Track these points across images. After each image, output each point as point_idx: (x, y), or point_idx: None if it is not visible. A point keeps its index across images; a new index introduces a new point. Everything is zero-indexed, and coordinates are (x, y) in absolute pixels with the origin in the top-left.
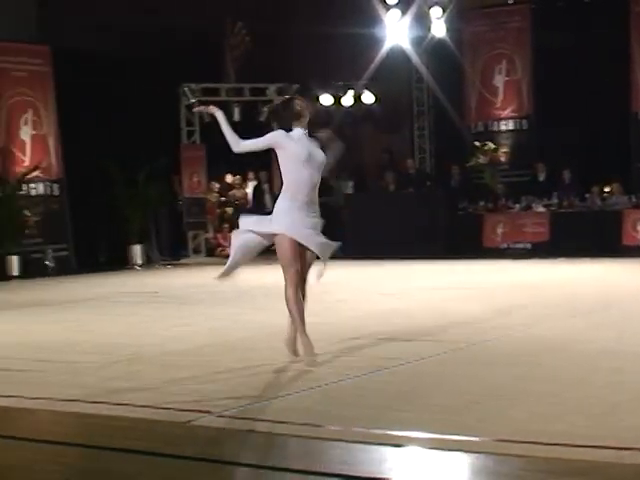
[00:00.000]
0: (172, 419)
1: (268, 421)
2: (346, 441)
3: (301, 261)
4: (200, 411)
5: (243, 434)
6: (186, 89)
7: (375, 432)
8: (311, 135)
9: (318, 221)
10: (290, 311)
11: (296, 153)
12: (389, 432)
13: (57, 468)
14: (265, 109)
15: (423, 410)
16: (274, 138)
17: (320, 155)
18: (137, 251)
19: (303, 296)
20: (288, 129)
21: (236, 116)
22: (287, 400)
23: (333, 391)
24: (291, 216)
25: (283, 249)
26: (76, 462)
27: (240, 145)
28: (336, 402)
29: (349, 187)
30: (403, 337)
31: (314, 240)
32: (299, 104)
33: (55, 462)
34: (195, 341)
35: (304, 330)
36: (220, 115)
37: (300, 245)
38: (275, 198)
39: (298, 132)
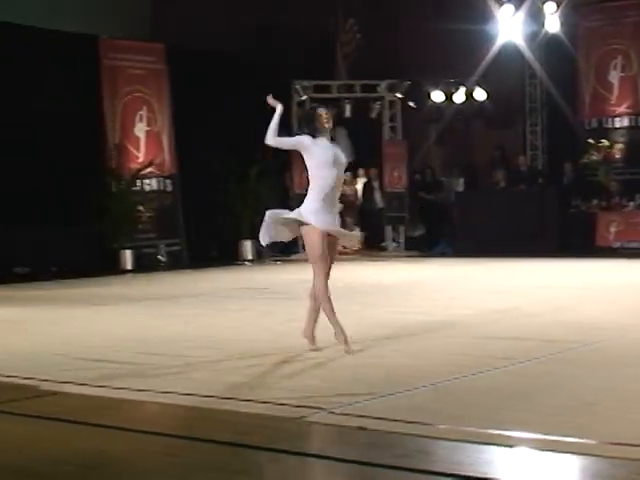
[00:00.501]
0: (285, 415)
1: (379, 418)
2: (456, 440)
3: (330, 254)
4: (312, 407)
5: (355, 431)
6: (297, 86)
7: (486, 432)
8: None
9: (337, 217)
10: (322, 303)
11: (322, 157)
12: (500, 432)
13: (170, 460)
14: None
15: (535, 411)
16: (300, 142)
17: (343, 157)
18: (248, 247)
19: None
20: (314, 135)
21: (347, 112)
22: (398, 398)
23: (444, 389)
24: (319, 213)
25: (312, 241)
26: (189, 455)
27: (272, 138)
28: (447, 401)
29: (460, 184)
30: (514, 336)
31: (341, 231)
32: (323, 116)
33: (168, 454)
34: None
35: (336, 320)
36: (279, 109)
37: (328, 237)
38: (384, 195)
39: (322, 139)
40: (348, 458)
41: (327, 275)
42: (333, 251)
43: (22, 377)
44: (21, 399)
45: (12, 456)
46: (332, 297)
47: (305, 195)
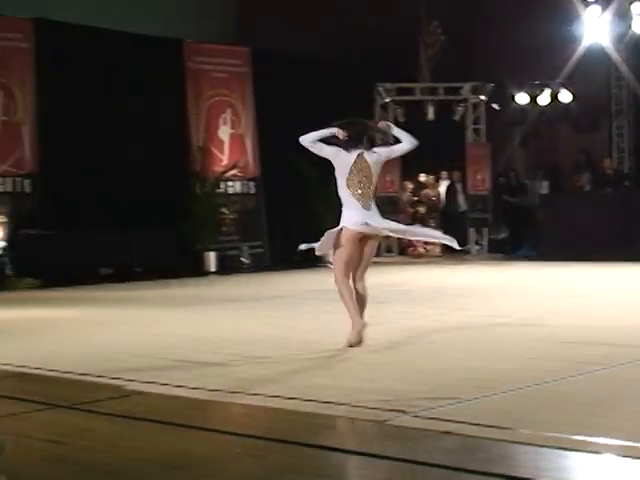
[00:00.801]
0: (368, 418)
1: (463, 423)
2: (539, 446)
3: (359, 254)
4: (395, 410)
5: (440, 435)
6: (381, 88)
7: (569, 437)
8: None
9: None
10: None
11: (344, 165)
12: (584, 438)
13: (256, 462)
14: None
15: (621, 417)
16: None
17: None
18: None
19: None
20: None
21: (430, 115)
22: (482, 402)
23: (528, 394)
24: (349, 217)
25: (341, 240)
26: (272, 457)
27: (308, 140)
28: (531, 406)
29: (544, 187)
30: (601, 342)
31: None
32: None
33: (253, 456)
34: (389, 340)
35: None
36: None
37: (360, 240)
38: (467, 198)
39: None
40: (435, 462)
41: (347, 269)
42: (362, 251)
43: (109, 377)
44: (108, 399)
45: (100, 455)
46: (416, 300)
47: (387, 197)
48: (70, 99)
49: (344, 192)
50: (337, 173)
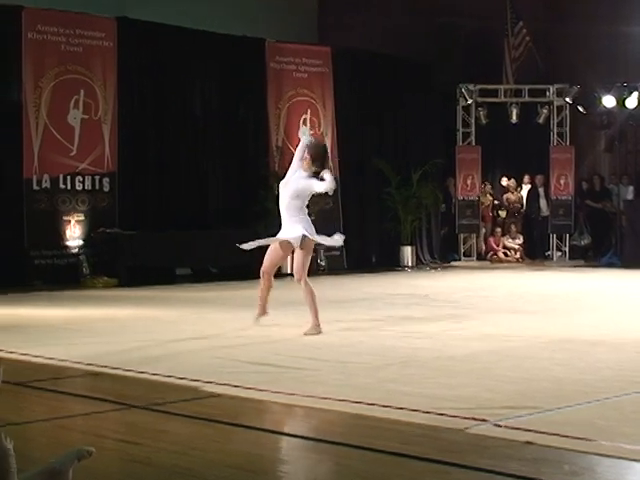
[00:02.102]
0: (448, 426)
1: (545, 433)
2: (624, 459)
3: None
4: (476, 419)
5: (522, 445)
6: (463, 90)
7: None
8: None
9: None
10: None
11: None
12: None
13: (333, 469)
14: None
15: None
16: None
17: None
18: (408, 252)
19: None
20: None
21: (514, 117)
22: (565, 412)
23: (614, 406)
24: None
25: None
26: (351, 464)
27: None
28: (616, 417)
29: (629, 193)
30: None
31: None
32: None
33: (326, 461)
34: (469, 346)
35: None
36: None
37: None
38: (549, 201)
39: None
40: (515, 473)
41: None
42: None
43: (185, 378)
44: (184, 400)
45: (174, 457)
46: (496, 306)
47: (467, 201)
48: (150, 98)
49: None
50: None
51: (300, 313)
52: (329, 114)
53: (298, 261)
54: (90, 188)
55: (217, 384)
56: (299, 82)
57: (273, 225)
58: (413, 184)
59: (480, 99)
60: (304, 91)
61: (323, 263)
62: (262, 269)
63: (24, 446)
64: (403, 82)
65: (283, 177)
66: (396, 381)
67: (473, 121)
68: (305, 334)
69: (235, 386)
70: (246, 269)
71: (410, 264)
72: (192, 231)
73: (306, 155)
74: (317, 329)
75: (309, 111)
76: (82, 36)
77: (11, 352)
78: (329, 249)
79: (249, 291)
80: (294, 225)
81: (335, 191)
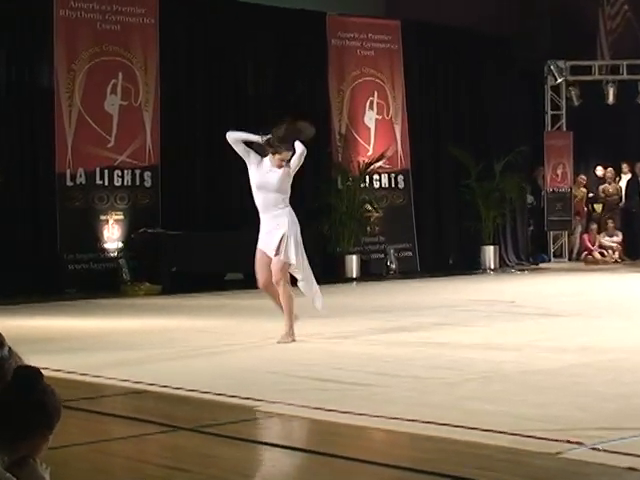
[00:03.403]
0: (537, 449)
1: None
2: None
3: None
4: (570, 442)
5: (621, 471)
6: (552, 67)
7: None
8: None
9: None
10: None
11: (252, 179)
12: None
13: None
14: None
15: None
16: (248, 155)
17: (273, 179)
18: (490, 253)
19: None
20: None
21: (610, 98)
22: None
23: None
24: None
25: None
26: None
27: (233, 136)
28: None
29: None
30: None
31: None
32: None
33: None
34: (561, 359)
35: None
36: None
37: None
38: None
39: (266, 160)
40: None
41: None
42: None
43: (237, 396)
44: (236, 421)
45: None
46: (594, 312)
47: (557, 194)
48: (197, 81)
49: None
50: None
51: (364, 322)
52: (399, 96)
53: (278, 262)
54: (130, 183)
55: (274, 403)
56: (364, 60)
57: (337, 224)
58: (495, 175)
59: (571, 77)
60: (370, 71)
61: (393, 265)
62: (260, 286)
63: (62, 473)
64: (483, 59)
65: (347, 169)
66: (476, 399)
67: (564, 103)
68: (278, 342)
69: (293, 405)
70: None
71: (493, 266)
72: (245, 231)
73: (277, 156)
74: (291, 337)
75: (376, 93)
76: (120, 12)
77: (44, 368)
78: (401, 249)
79: (308, 298)
80: (275, 229)
81: (406, 184)
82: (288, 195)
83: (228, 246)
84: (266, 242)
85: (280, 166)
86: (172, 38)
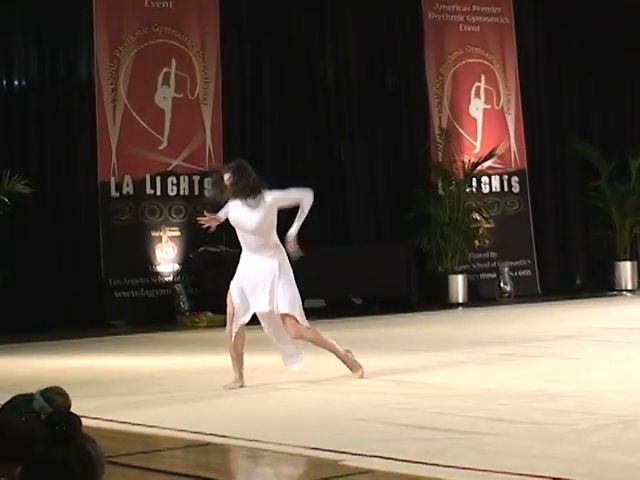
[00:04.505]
0: None
1: None
2: None
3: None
4: None
5: None
6: None
7: None
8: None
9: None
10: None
11: (231, 220)
12: None
13: None
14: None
15: None
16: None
17: (250, 220)
18: (627, 270)
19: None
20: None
21: None
22: None
23: None
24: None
25: None
26: None
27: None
28: None
29: None
30: None
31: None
32: (226, 179)
33: None
34: None
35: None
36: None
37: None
38: None
39: (234, 202)
40: None
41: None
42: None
43: (320, 449)
44: (326, 479)
45: None
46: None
47: None
48: (266, 67)
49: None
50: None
51: (474, 355)
52: (512, 81)
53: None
54: (187, 193)
55: (365, 456)
56: (469, 38)
57: (438, 237)
58: (632, 175)
59: None
60: (476, 50)
61: (508, 287)
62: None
63: None
64: (614, 34)
65: (449, 171)
66: (614, 449)
67: None
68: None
69: (392, 458)
70: (403, 299)
71: (630, 286)
72: (325, 248)
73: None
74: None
75: (483, 78)
76: None
77: (85, 416)
78: (517, 267)
79: (405, 329)
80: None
81: (522, 188)
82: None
83: (305, 266)
84: None
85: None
86: (236, 17)
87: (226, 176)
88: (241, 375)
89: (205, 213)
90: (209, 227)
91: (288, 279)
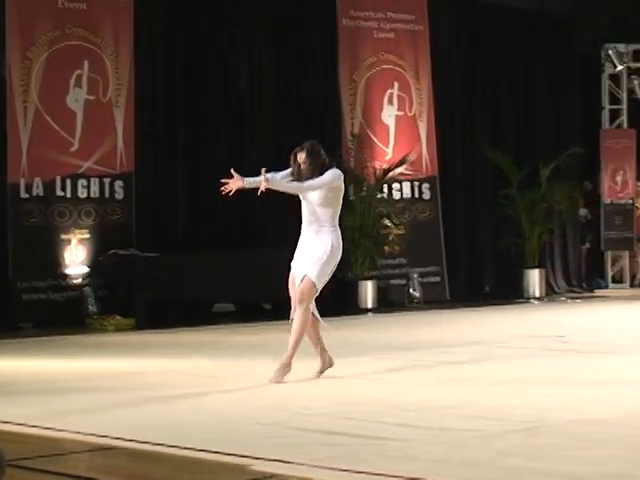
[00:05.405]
0: None
1: None
2: None
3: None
4: None
5: None
6: (610, 52)
7: None
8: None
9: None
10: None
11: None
12: None
13: None
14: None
15: None
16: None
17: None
18: (535, 278)
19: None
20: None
21: None
22: None
23: None
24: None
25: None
26: None
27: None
28: None
29: None
30: None
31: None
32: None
33: None
34: (622, 406)
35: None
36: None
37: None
38: None
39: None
40: None
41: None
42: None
43: (226, 453)
44: None
45: None
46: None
47: (617, 206)
48: (179, 71)
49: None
50: (338, 198)
51: (381, 361)
52: (425, 88)
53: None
54: (97, 195)
55: (270, 460)
56: (383, 45)
57: (348, 243)
58: (542, 183)
59: (634, 64)
60: (390, 57)
61: (417, 293)
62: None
63: None
64: (527, 43)
65: (361, 177)
66: (520, 455)
67: (625, 95)
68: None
69: (296, 463)
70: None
71: (538, 294)
72: (235, 253)
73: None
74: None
75: (396, 85)
76: None
77: None
78: (426, 274)
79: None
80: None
81: (433, 195)
82: None
83: (216, 271)
84: None
85: None
86: (149, 20)
87: (300, 156)
88: (325, 359)
89: (233, 172)
90: (228, 193)
91: (334, 258)
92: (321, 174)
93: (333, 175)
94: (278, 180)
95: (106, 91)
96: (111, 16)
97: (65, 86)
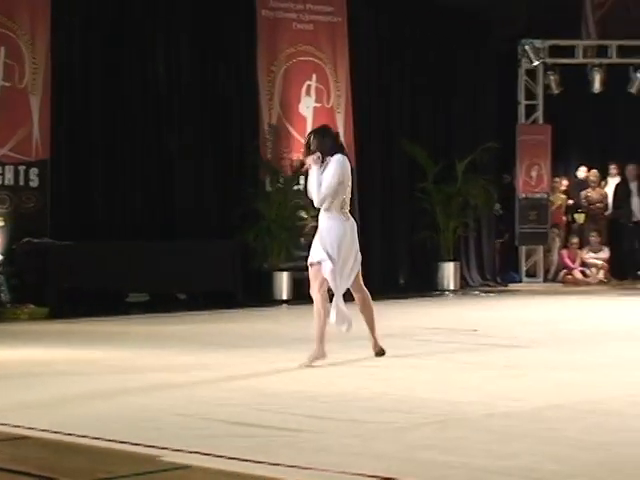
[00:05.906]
0: None
1: None
2: None
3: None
4: None
5: None
6: (527, 47)
7: None
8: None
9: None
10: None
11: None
12: None
13: None
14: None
15: None
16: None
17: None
18: (450, 271)
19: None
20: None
21: (596, 85)
22: None
23: None
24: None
25: None
26: None
27: (320, 195)
28: None
29: None
30: None
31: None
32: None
33: None
34: (532, 399)
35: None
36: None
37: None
38: None
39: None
40: None
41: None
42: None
43: (140, 444)
44: (138, 474)
45: None
46: (569, 346)
47: (532, 200)
48: (96, 59)
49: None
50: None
51: (294, 352)
52: (342, 80)
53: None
54: (12, 183)
55: (183, 452)
56: (301, 36)
57: (264, 234)
58: (457, 177)
59: (550, 60)
60: (308, 48)
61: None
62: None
63: None
64: (444, 37)
65: (278, 168)
66: (431, 447)
67: (540, 91)
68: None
69: (208, 455)
70: (226, 295)
71: (452, 287)
72: (151, 243)
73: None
74: (320, 354)
75: (314, 76)
76: None
77: None
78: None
79: (229, 325)
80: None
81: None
82: None
83: (131, 260)
84: None
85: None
86: (68, 6)
87: (312, 140)
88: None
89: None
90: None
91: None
92: (332, 156)
93: (335, 170)
94: (317, 173)
95: (22, 78)
96: (28, 1)
97: None
